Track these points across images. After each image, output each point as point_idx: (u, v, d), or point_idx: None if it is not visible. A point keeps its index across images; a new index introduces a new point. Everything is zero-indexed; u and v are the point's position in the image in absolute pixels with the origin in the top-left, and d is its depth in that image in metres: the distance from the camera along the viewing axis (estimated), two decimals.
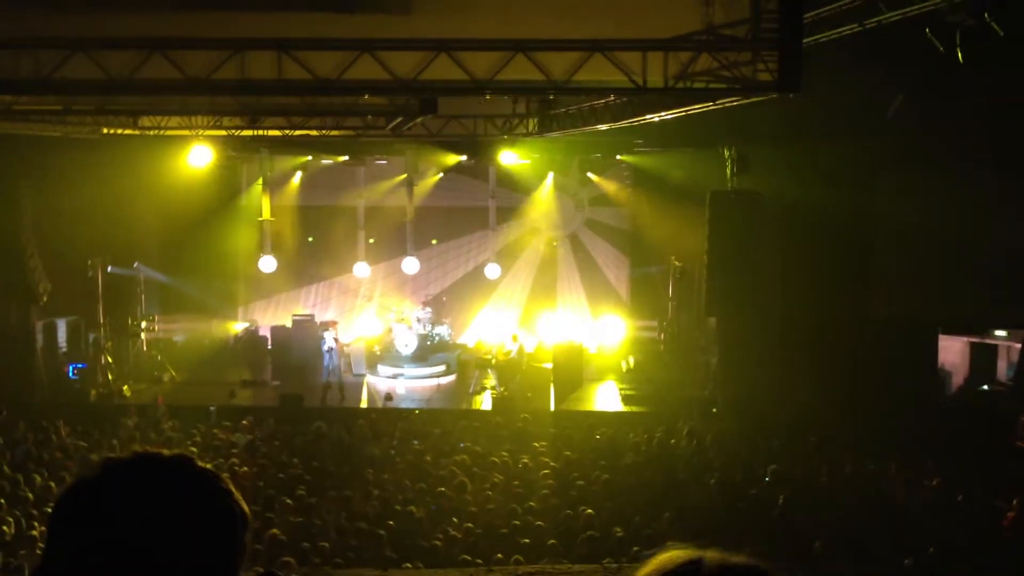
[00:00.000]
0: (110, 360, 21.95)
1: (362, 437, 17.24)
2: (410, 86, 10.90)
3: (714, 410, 18.69)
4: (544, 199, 25.98)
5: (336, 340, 22.15)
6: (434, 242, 26.38)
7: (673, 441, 17.38)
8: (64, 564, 1.54)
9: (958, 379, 21.27)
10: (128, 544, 1.51)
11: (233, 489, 1.65)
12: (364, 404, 21.26)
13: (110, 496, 1.56)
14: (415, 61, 10.66)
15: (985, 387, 20.70)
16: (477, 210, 26.02)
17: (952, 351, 21.35)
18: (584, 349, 23.74)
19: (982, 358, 21.17)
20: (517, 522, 12.57)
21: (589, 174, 25.37)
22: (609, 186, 25.51)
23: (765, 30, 10.32)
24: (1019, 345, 20.37)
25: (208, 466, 1.67)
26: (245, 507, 1.66)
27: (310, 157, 24.72)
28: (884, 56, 13.33)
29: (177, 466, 1.62)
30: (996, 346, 21.10)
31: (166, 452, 1.66)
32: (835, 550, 11.63)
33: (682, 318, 22.29)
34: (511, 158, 20.50)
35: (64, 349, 22.89)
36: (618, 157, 23.66)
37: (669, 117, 15.02)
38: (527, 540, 11.77)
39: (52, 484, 14.11)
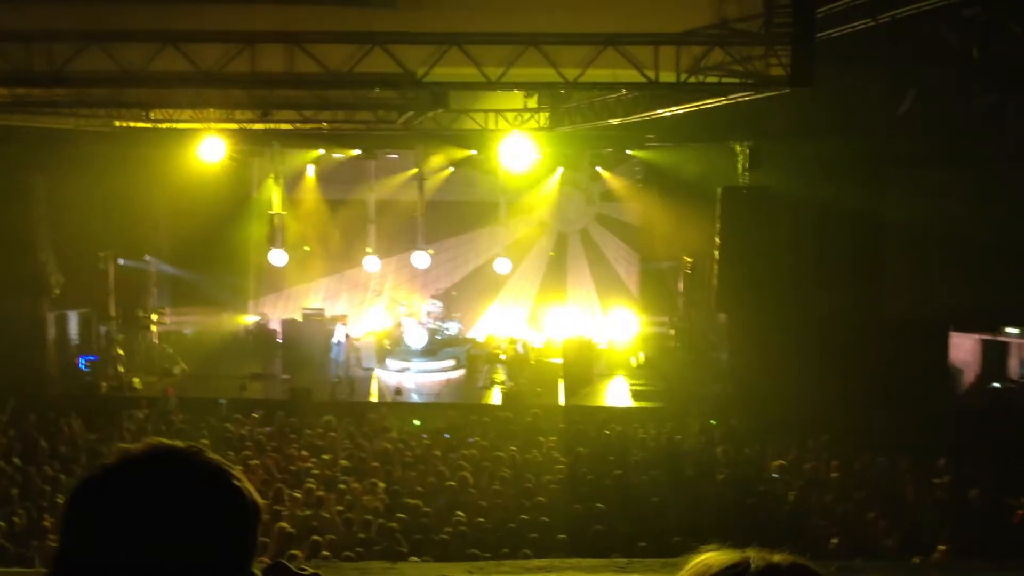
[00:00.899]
0: (121, 352, 22.02)
1: (371, 431, 17.27)
2: (421, 80, 10.88)
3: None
4: (554, 194, 25.97)
5: (346, 334, 22.18)
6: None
7: (680, 437, 17.36)
8: (79, 555, 1.55)
9: (969, 376, 21.20)
10: (142, 535, 1.52)
11: (246, 480, 1.65)
12: (374, 398, 21.29)
13: (125, 487, 1.57)
14: (426, 55, 10.65)
15: (996, 384, 20.63)
16: (488, 204, 25.99)
17: (963, 348, 21.28)
18: (594, 344, 23.73)
19: (994, 355, 21.10)
20: (526, 516, 12.57)
21: (599, 169, 25.32)
22: (620, 181, 25.46)
23: (778, 25, 10.28)
24: None
25: (216, 457, 1.67)
26: (258, 498, 1.67)
27: (322, 151, 24.72)
28: (897, 52, 13.26)
29: (190, 457, 1.63)
30: (1008, 343, 21.02)
31: (179, 443, 1.66)
32: (845, 547, 11.59)
33: (692, 314, 22.25)
34: (521, 147, 20.43)
35: (75, 341, 22.99)
36: (629, 152, 23.60)
37: (681, 112, 14.99)
38: (536, 535, 11.78)
39: (62, 476, 14.17)
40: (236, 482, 1.63)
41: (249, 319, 26.36)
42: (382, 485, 13.89)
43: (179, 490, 1.57)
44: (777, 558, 1.54)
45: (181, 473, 1.59)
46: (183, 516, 1.55)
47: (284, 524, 11.61)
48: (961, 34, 10.19)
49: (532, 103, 20.02)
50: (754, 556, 1.54)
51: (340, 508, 12.77)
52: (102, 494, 1.57)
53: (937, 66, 13.27)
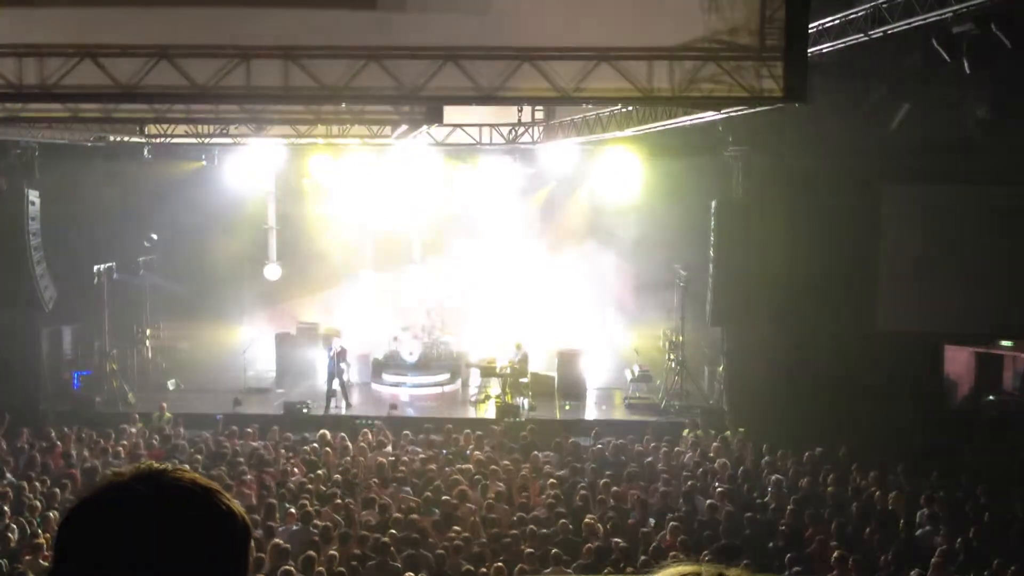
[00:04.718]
0: (115, 367, 21.94)
1: (366, 445, 17.23)
2: (416, 95, 10.90)
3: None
4: (549, 206, 26.00)
5: (341, 348, 22.14)
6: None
7: (677, 450, 17.36)
8: None
9: (964, 389, 21.22)
10: (135, 558, 1.54)
11: (233, 503, 1.67)
12: (368, 412, 21.22)
13: (116, 511, 1.59)
14: (421, 70, 10.66)
15: (991, 397, 20.65)
16: (483, 217, 25.97)
17: (958, 362, 21.30)
18: (589, 357, 23.77)
19: (988, 368, 21.12)
20: (519, 531, 12.54)
21: (592, 181, 25.31)
22: (614, 194, 25.44)
23: (771, 40, 10.31)
24: None
25: (203, 479, 1.69)
26: (246, 518, 1.69)
27: (316, 165, 24.68)
28: (890, 67, 13.34)
29: (179, 480, 1.64)
30: (1002, 356, 21.05)
31: (168, 467, 1.68)
32: (841, 560, 11.57)
33: (687, 327, 22.26)
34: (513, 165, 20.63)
35: (69, 356, 22.91)
36: (623, 165, 23.61)
37: (674, 126, 15.02)
38: (531, 549, 11.75)
39: (56, 491, 14.13)
40: (225, 502, 1.65)
41: (243, 333, 26.27)
42: (378, 500, 13.86)
43: (169, 513, 1.59)
44: (732, 573, 1.56)
45: (170, 496, 1.61)
46: (174, 539, 1.57)
47: (279, 540, 11.57)
48: (952, 49, 10.23)
49: (526, 118, 20.09)
50: (707, 570, 1.56)
51: (334, 524, 12.73)
52: (94, 518, 1.59)
53: (930, 81, 13.34)
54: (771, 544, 12.57)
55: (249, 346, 25.01)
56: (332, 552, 11.50)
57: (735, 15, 10.35)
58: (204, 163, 23.56)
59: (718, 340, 21.62)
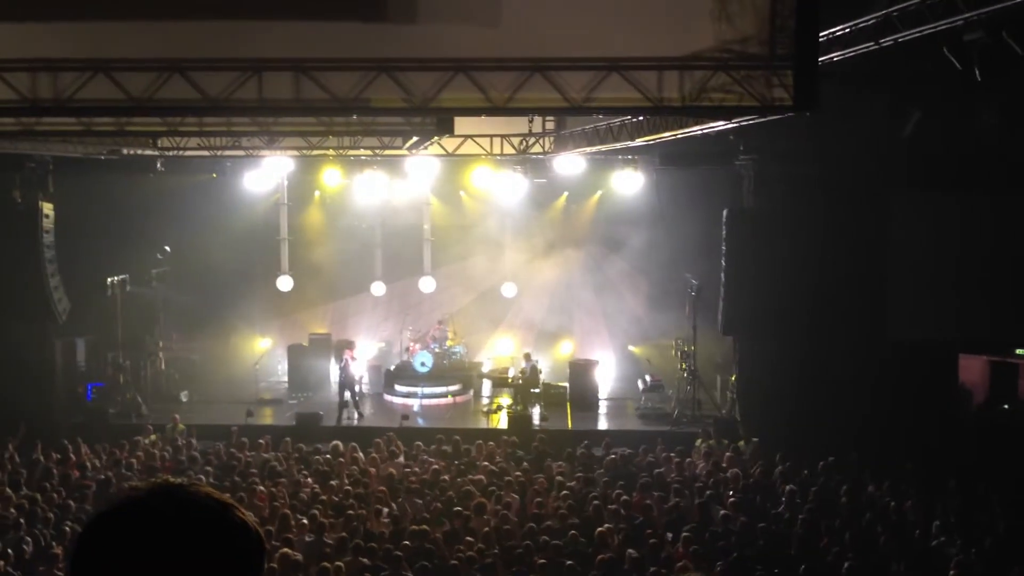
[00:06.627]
0: (128, 379, 22.02)
1: (378, 456, 17.23)
2: (427, 107, 10.92)
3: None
4: (561, 216, 26.02)
5: (353, 359, 22.18)
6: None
7: (689, 460, 17.31)
8: None
9: (978, 398, 21.11)
10: (149, 573, 1.56)
11: (248, 516, 1.69)
12: (381, 423, 21.23)
13: (131, 527, 1.61)
14: (432, 81, 10.69)
15: (1006, 406, 20.54)
16: (494, 227, 26.01)
17: (972, 370, 21.19)
18: (601, 367, 23.74)
19: (1003, 377, 21.01)
20: (532, 542, 12.51)
21: (603, 192, 25.32)
22: (625, 203, 25.43)
23: (781, 49, 10.30)
24: None
25: (218, 493, 1.70)
26: (261, 532, 1.71)
27: (328, 177, 24.76)
28: (900, 74, 13.31)
29: (193, 495, 1.66)
30: (1017, 365, 20.94)
31: (183, 481, 1.71)
32: (855, 571, 11.52)
33: (699, 337, 22.21)
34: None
35: (83, 368, 22.98)
36: (634, 174, 23.62)
37: (685, 135, 15.02)
38: (543, 560, 11.72)
39: (71, 503, 14.17)
40: (240, 517, 1.67)
41: (256, 344, 26.34)
42: (388, 510, 13.85)
43: (184, 528, 1.60)
44: None
45: (185, 511, 1.63)
46: (189, 554, 1.59)
47: (289, 551, 11.58)
48: (963, 57, 10.21)
49: (537, 128, 20.11)
50: None
51: (346, 535, 12.73)
52: (109, 534, 1.61)
53: (940, 89, 13.31)
54: (785, 554, 12.52)
55: (261, 357, 25.06)
56: (345, 563, 11.50)
57: (745, 24, 10.34)
58: (216, 176, 23.62)
59: (730, 349, 21.55)
